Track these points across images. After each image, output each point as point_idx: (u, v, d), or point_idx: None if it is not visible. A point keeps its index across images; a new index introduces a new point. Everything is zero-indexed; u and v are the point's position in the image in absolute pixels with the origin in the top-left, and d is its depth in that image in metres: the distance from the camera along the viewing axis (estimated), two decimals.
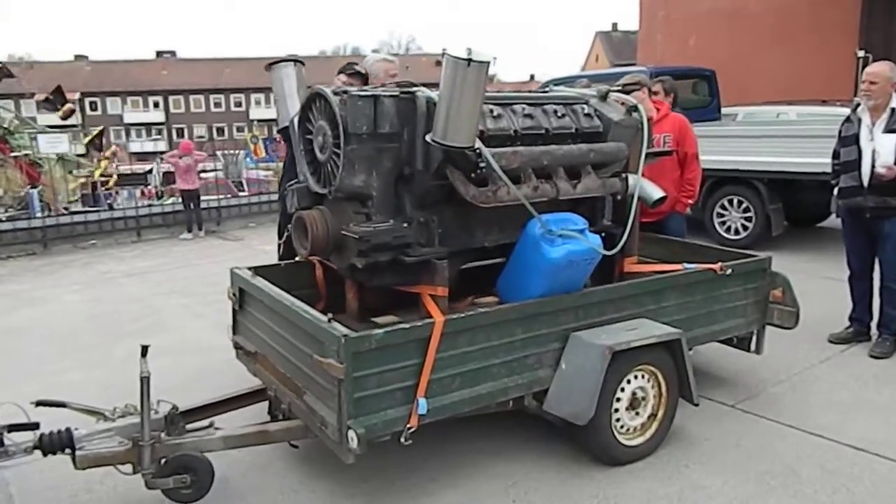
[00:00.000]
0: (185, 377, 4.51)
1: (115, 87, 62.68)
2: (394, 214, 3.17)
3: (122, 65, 65.43)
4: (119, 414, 2.93)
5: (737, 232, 7.97)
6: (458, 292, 3.64)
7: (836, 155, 4.78)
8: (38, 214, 10.25)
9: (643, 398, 3.37)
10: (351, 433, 2.66)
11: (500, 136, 3.15)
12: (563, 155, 3.21)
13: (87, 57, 67.17)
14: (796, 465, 3.30)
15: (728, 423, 3.72)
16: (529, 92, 3.58)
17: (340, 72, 4.37)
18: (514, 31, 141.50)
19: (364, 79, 4.31)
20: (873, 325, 4.79)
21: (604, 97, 3.58)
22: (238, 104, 64.51)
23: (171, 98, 63.73)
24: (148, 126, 63.24)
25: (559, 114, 3.33)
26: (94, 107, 60.98)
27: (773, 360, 4.47)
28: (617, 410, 3.29)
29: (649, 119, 3.90)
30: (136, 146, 55.45)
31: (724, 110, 10.86)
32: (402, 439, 2.83)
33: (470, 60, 2.57)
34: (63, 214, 10.28)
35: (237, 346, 3.76)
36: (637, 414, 3.38)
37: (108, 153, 18.76)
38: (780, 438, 3.55)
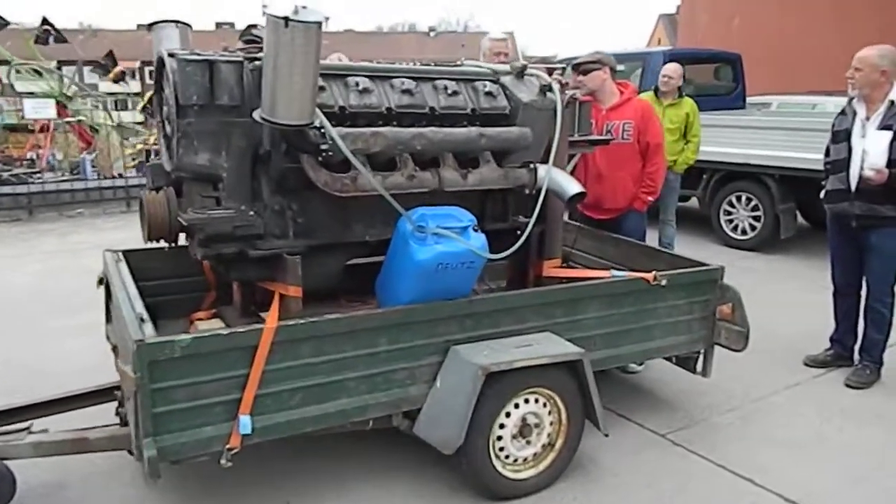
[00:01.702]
0: (101, 358, 4.23)
1: None
2: (250, 200, 2.77)
3: None
4: None
5: (744, 232, 7.29)
6: (363, 289, 3.24)
7: (827, 152, 4.15)
8: (91, 178, 10.22)
9: (537, 425, 2.91)
10: (145, 453, 2.29)
11: (368, 114, 2.70)
12: (445, 140, 2.74)
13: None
14: None
15: (649, 457, 3.23)
16: (434, 65, 3.10)
17: (240, 38, 3.93)
18: (579, 8, 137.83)
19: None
20: (857, 348, 4.17)
21: (520, 74, 3.09)
22: None
23: None
24: None
25: (450, 91, 2.85)
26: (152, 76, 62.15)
27: (731, 382, 3.94)
28: (500, 438, 2.84)
29: (584, 104, 3.40)
30: None
31: (760, 99, 10.08)
32: (223, 461, 2.45)
33: (287, 20, 2.13)
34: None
35: (107, 337, 3.44)
36: (528, 443, 2.92)
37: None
38: (702, 480, 3.05)
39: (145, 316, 2.52)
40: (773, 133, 6.89)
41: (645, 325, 3.36)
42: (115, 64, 18.60)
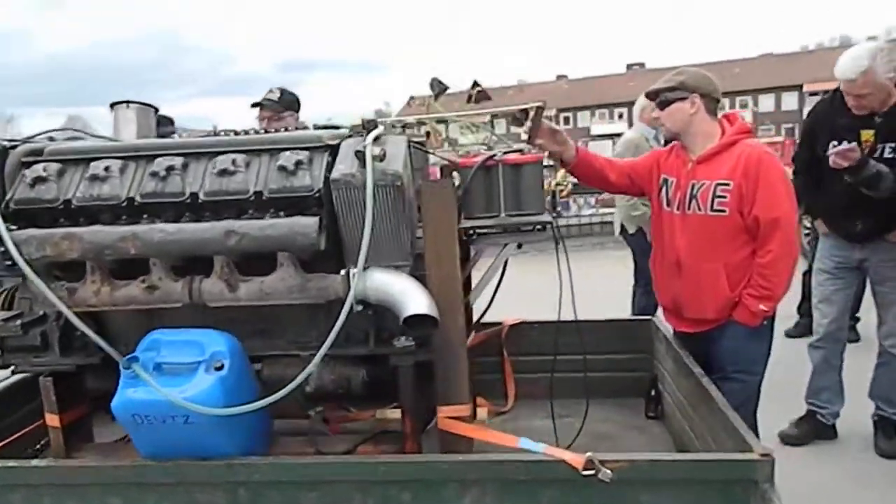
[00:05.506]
0: None
1: (587, 101, 67.41)
2: None
3: (596, 80, 70.00)
4: None
5: None
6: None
7: None
8: None
9: None
10: None
11: (103, 209, 2.09)
12: (168, 240, 1.95)
13: (566, 76, 73.97)
14: None
15: None
16: (248, 135, 2.25)
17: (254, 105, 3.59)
18: None
19: (280, 108, 3.46)
20: None
21: (377, 136, 2.08)
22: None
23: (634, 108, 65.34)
24: (611, 137, 65.73)
25: (219, 170, 2.05)
26: (567, 121, 65.94)
27: None
28: None
29: (523, 166, 2.22)
30: None
31: None
32: None
33: None
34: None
35: None
36: None
37: None
38: None
39: None
40: None
41: None
42: (526, 114, 20.65)
